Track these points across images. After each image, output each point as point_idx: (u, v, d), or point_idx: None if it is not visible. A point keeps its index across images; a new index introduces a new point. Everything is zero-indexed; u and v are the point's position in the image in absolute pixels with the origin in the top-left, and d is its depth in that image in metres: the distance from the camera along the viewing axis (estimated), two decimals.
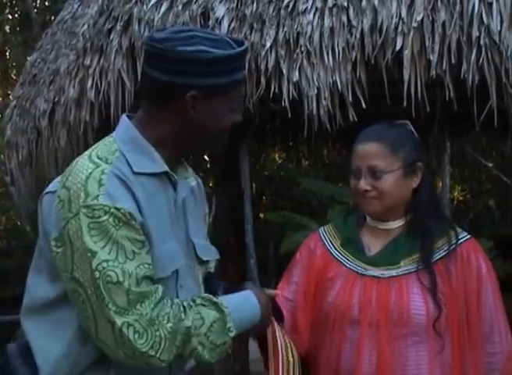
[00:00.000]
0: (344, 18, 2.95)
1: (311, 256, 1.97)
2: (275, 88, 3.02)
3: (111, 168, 1.46)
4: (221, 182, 4.80)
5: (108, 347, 1.43)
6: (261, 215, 8.75)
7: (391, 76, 2.91)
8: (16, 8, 10.22)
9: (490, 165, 8.38)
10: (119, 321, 1.39)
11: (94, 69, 3.43)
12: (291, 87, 2.98)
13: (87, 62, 3.47)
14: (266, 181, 9.11)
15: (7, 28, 10.28)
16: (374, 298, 1.84)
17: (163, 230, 1.51)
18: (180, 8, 3.24)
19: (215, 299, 1.52)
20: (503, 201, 8.65)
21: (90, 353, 1.50)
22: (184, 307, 1.48)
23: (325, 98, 2.94)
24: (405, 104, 2.82)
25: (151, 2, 3.28)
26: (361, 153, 1.87)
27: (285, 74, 2.99)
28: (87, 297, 1.42)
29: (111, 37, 3.38)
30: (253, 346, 1.89)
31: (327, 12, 2.99)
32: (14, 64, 10.06)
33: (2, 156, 6.84)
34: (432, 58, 2.77)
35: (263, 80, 3.07)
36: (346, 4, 2.96)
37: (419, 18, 2.79)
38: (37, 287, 1.54)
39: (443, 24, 2.78)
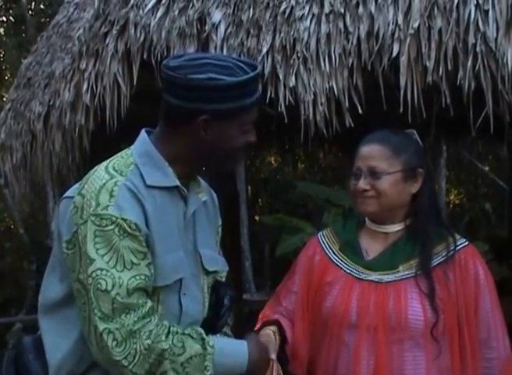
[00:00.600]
0: (341, 24, 2.94)
1: (309, 263, 1.98)
2: (271, 93, 3.00)
3: (124, 180, 1.53)
4: (216, 185, 4.78)
5: (92, 348, 1.51)
6: (257, 218, 8.75)
7: (387, 82, 2.91)
8: (11, 11, 10.19)
9: (486, 168, 8.40)
10: (101, 326, 1.47)
11: (90, 73, 3.41)
12: (287, 92, 2.97)
13: (83, 65, 3.45)
14: (262, 184, 9.10)
15: (1, 30, 10.27)
16: (372, 302, 1.85)
17: (169, 241, 1.57)
18: (177, 13, 3.22)
19: (204, 335, 1.56)
20: (499, 205, 8.67)
21: None
22: (169, 331, 1.52)
23: (321, 104, 2.93)
24: (401, 109, 2.82)
25: (148, 7, 3.27)
26: (363, 154, 1.90)
27: (281, 79, 2.98)
28: (87, 298, 1.49)
29: (106, 41, 3.37)
30: None
31: (324, 18, 2.99)
32: (8, 66, 10.03)
33: None
34: (428, 64, 2.77)
35: (260, 85, 3.06)
36: (342, 10, 2.95)
37: (416, 25, 2.79)
38: (50, 285, 1.63)
39: (440, 31, 2.77)
